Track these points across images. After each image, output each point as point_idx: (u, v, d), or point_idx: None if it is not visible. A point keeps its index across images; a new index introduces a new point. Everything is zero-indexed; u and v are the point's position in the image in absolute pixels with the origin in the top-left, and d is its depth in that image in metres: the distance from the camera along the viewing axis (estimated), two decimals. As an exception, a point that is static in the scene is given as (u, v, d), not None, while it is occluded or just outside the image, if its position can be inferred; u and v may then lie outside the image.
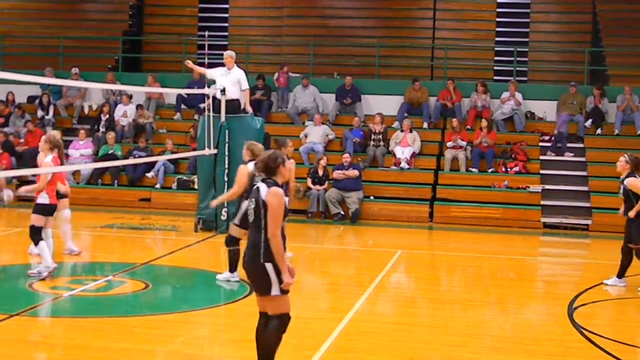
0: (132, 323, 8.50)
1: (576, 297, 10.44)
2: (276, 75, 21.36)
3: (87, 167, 18.69)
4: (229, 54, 15.38)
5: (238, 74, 15.29)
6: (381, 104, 20.60)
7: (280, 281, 6.15)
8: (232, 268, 10.44)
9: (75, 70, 21.47)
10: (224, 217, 14.86)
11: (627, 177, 10.89)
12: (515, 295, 11.01)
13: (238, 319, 8.80)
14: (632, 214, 10.83)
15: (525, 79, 22.77)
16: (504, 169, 18.82)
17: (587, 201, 18.02)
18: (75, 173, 19.26)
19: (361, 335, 8.29)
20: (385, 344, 7.96)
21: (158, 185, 19.20)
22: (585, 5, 23.23)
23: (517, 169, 18.78)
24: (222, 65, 15.48)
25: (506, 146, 19.38)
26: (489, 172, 18.84)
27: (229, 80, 15.09)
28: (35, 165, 11.38)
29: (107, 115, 20.65)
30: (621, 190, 10.99)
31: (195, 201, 15.99)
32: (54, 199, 10.42)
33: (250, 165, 10.11)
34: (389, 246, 14.78)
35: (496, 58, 23.37)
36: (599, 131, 19.65)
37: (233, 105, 15.29)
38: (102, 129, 20.46)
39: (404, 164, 18.86)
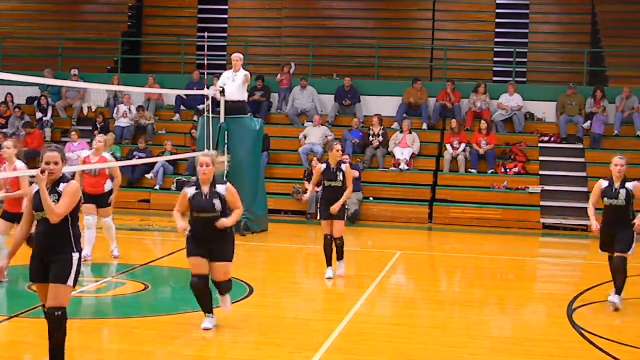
0: (131, 324, 8.49)
1: (576, 298, 10.43)
2: (279, 76, 21.36)
3: (86, 168, 18.62)
4: (238, 56, 15.37)
5: (244, 75, 15.30)
6: (380, 105, 20.60)
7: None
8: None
9: (74, 71, 21.47)
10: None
11: (627, 180, 9.75)
12: (515, 296, 11.00)
13: (236, 320, 8.79)
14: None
15: (524, 79, 22.76)
16: (503, 170, 18.82)
17: (587, 202, 17.95)
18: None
19: (361, 336, 8.28)
20: (384, 345, 7.95)
21: (157, 187, 19.20)
22: (584, 6, 23.23)
23: (516, 170, 18.78)
24: (223, 67, 15.50)
25: (505, 147, 19.37)
26: (488, 173, 18.83)
27: (237, 83, 15.11)
28: (35, 167, 11.30)
29: (103, 123, 20.60)
30: (623, 197, 9.66)
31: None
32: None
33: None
34: (388, 247, 14.78)
35: (495, 59, 23.37)
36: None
37: (238, 107, 15.28)
38: (96, 132, 20.43)
39: (403, 165, 18.85)
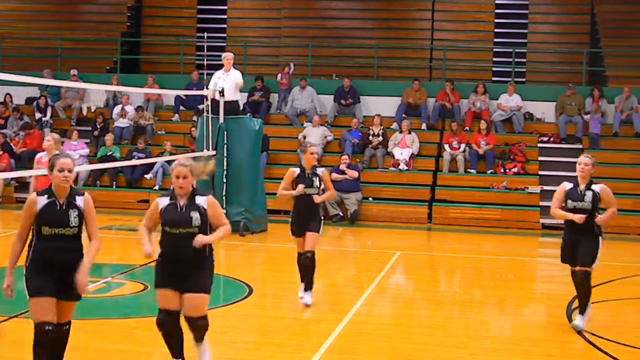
0: (130, 325, 8.50)
1: (575, 298, 10.42)
2: (279, 76, 21.34)
3: (85, 169, 18.67)
4: (229, 56, 15.42)
5: (235, 75, 15.37)
6: (379, 105, 20.60)
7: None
8: None
9: (73, 71, 21.47)
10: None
11: (593, 182, 8.78)
12: (514, 296, 11.01)
13: (236, 321, 8.79)
14: (604, 218, 8.74)
15: (523, 79, 22.77)
16: (502, 170, 18.82)
17: (586, 202, 17.98)
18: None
19: (360, 336, 8.28)
20: (384, 345, 7.95)
21: (157, 187, 19.18)
22: (583, 6, 23.24)
23: (515, 170, 18.78)
24: (222, 67, 15.54)
25: (505, 147, 19.38)
26: (487, 173, 18.84)
27: (227, 83, 15.16)
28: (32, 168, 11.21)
29: (102, 123, 20.62)
30: (589, 199, 8.66)
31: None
32: None
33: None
34: (387, 247, 14.78)
35: (495, 59, 23.38)
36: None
37: (232, 107, 15.35)
38: (96, 132, 20.47)
39: (402, 165, 18.86)
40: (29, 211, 6.03)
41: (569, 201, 8.75)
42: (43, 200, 6.02)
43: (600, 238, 8.74)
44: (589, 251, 8.68)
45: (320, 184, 9.47)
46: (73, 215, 6.01)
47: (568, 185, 8.88)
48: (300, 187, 9.30)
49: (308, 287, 9.46)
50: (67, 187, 6.03)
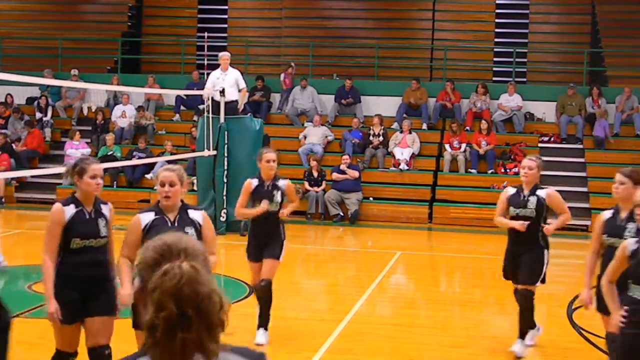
0: (131, 324, 8.48)
1: (575, 297, 10.41)
2: (282, 76, 21.34)
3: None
4: (226, 55, 15.45)
5: (235, 74, 15.40)
6: (380, 105, 20.61)
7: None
8: None
9: (74, 71, 21.47)
10: (223, 218, 14.89)
11: (540, 187, 7.88)
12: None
13: (237, 320, 8.78)
14: (552, 228, 7.80)
15: (524, 79, 22.77)
16: (503, 170, 18.83)
17: (587, 202, 18.02)
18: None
19: (360, 336, 8.29)
20: (384, 345, 7.96)
21: (157, 187, 19.18)
22: (584, 6, 23.23)
23: (516, 170, 18.75)
24: (218, 66, 15.58)
25: (505, 147, 19.38)
26: (488, 173, 18.83)
27: (227, 82, 15.18)
28: (34, 167, 11.25)
29: (102, 122, 20.65)
30: (533, 205, 7.78)
31: (194, 202, 15.98)
32: None
33: None
34: (388, 247, 14.77)
35: (495, 59, 23.37)
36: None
37: (231, 107, 15.36)
38: (97, 133, 20.51)
39: (403, 165, 18.86)
40: (56, 223, 5.43)
41: (512, 208, 7.91)
42: (70, 210, 5.47)
43: (546, 251, 7.77)
44: (532, 267, 7.66)
45: (281, 198, 7.98)
46: (102, 224, 5.55)
47: (511, 191, 8.03)
48: (265, 203, 7.85)
49: (262, 323, 8.00)
50: (96, 194, 5.55)
